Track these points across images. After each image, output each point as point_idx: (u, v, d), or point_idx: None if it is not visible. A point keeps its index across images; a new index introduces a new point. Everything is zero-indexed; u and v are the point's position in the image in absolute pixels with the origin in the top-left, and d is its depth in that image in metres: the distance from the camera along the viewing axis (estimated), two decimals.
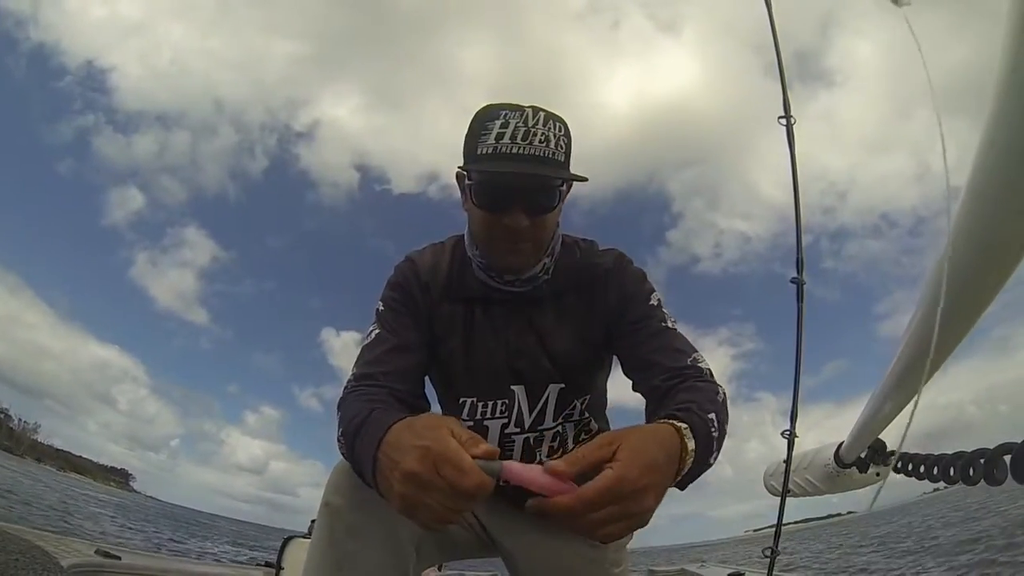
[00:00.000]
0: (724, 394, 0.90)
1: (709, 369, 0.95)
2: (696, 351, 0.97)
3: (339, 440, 0.86)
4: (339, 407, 0.90)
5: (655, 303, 1.03)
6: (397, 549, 0.92)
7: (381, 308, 1.05)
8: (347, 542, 0.90)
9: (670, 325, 1.01)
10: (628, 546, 1.23)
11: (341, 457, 0.90)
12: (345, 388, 0.95)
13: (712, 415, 0.81)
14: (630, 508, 0.62)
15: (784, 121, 1.63)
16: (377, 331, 1.02)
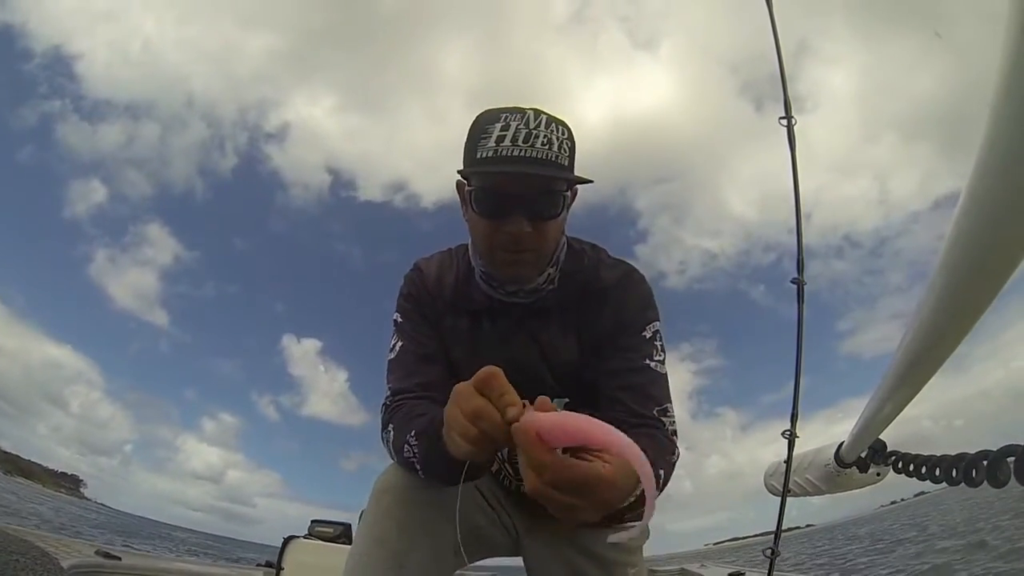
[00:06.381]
0: (677, 456, 0.92)
1: (675, 429, 0.95)
2: (668, 403, 0.96)
3: (402, 451, 0.88)
4: (387, 424, 0.94)
5: (649, 335, 1.00)
6: (442, 549, 0.95)
7: (400, 320, 1.05)
8: (398, 540, 0.92)
9: (653, 365, 0.97)
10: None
11: (391, 460, 0.96)
12: (385, 405, 0.98)
13: (661, 472, 0.83)
14: (592, 503, 0.60)
15: (785, 122, 1.65)
16: (401, 343, 1.03)
